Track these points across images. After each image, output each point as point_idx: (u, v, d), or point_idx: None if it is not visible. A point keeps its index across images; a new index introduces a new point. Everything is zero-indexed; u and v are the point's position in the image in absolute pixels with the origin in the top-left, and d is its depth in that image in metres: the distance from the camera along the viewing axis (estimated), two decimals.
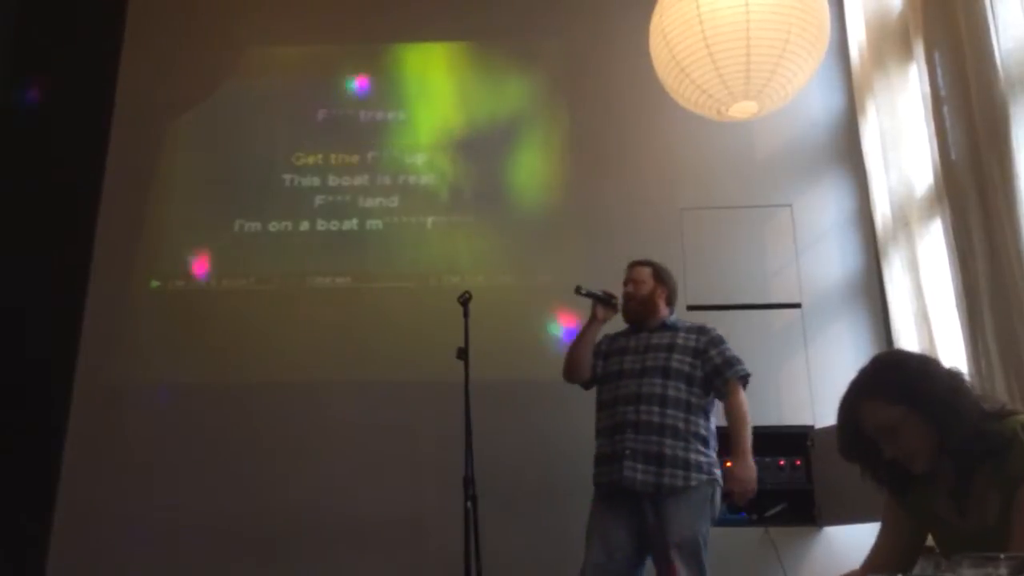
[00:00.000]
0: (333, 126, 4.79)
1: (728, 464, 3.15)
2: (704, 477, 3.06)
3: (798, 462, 3.86)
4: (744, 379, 3.17)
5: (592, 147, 4.63)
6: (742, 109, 3.93)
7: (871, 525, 2.03)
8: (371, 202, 4.63)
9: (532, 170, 4.65)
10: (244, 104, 4.83)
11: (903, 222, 3.77)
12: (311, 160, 4.72)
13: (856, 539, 3.14)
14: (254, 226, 4.60)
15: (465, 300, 3.41)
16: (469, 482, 3.14)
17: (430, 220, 4.59)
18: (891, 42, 3.88)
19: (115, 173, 4.66)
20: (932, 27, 3.36)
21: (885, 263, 4.03)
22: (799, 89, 3.94)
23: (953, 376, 1.77)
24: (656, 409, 3.10)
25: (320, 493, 4.03)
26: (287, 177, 4.69)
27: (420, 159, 4.71)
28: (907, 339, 3.73)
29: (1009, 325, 2.87)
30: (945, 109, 3.28)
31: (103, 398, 4.27)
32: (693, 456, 3.06)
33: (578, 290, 3.37)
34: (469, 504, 3.10)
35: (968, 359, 3.10)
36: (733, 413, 3.12)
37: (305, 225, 4.60)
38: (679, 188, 4.49)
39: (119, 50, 4.87)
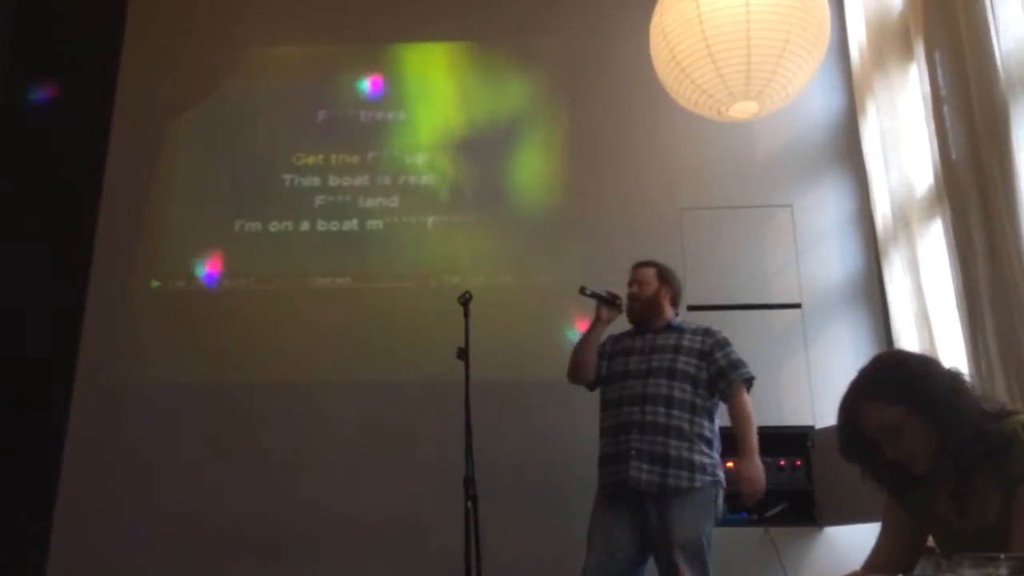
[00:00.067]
0: (333, 126, 4.79)
1: (729, 464, 3.16)
2: (708, 478, 3.06)
3: (798, 462, 3.87)
4: (748, 382, 3.18)
5: (592, 147, 4.63)
6: (742, 109, 3.93)
7: (871, 525, 2.03)
8: (371, 202, 4.63)
9: (532, 170, 4.65)
10: (244, 104, 4.83)
11: (903, 222, 3.77)
12: (311, 160, 4.72)
13: (856, 539, 3.15)
14: (254, 226, 4.60)
15: (465, 300, 3.41)
16: (469, 482, 3.14)
17: (430, 220, 4.59)
18: (891, 42, 3.87)
19: (115, 173, 4.66)
20: (932, 27, 3.36)
21: (885, 263, 4.03)
22: (799, 89, 3.93)
23: (953, 376, 1.77)
24: (662, 410, 3.10)
25: (320, 493, 4.03)
26: (287, 177, 4.69)
27: (420, 159, 4.71)
28: (907, 339, 3.73)
29: (1009, 325, 2.86)
30: (945, 109, 3.28)
31: (103, 398, 4.27)
32: (698, 457, 3.06)
33: (582, 291, 3.36)
34: (469, 504, 3.10)
35: (968, 359, 3.10)
36: (738, 414, 3.12)
37: (305, 225, 4.60)
38: (679, 188, 4.49)
39: (119, 50, 4.87)
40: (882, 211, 4.04)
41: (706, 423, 3.15)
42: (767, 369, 3.89)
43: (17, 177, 4.64)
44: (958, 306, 3.23)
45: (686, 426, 3.09)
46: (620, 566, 3.04)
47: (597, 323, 3.38)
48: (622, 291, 3.41)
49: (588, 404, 3.41)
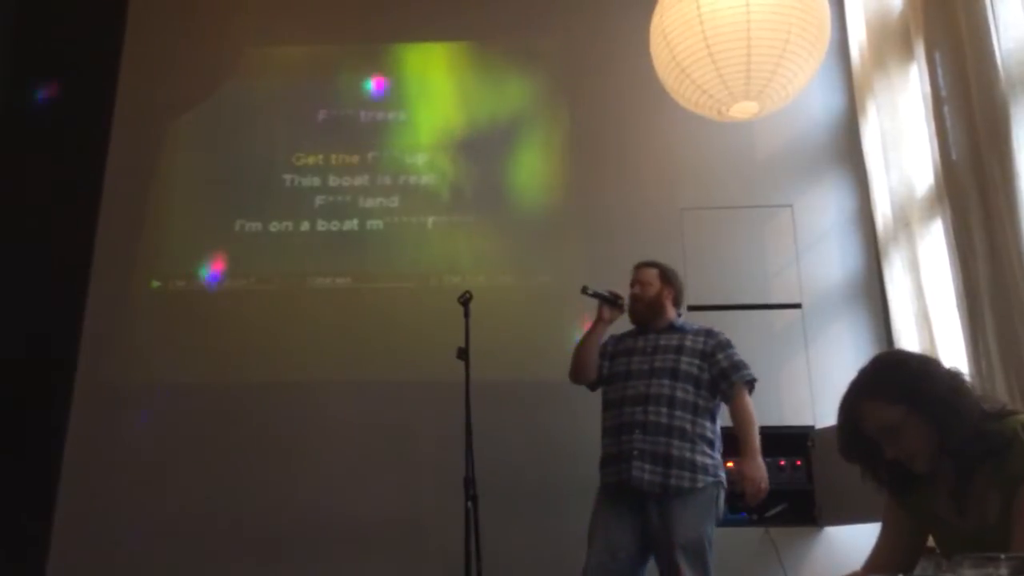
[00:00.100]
0: (333, 126, 4.79)
1: (729, 464, 3.16)
2: (710, 479, 3.06)
3: (799, 462, 3.87)
4: (750, 384, 3.18)
5: (593, 147, 4.63)
6: (743, 109, 3.93)
7: (872, 525, 2.03)
8: (371, 202, 4.63)
9: (533, 170, 4.65)
10: (244, 104, 4.83)
11: (904, 222, 3.77)
12: (311, 160, 4.72)
13: (857, 539, 3.15)
14: (254, 226, 4.60)
15: (466, 300, 3.41)
16: (469, 482, 3.14)
17: (431, 220, 4.59)
18: (892, 42, 3.87)
19: (115, 173, 4.66)
20: (933, 27, 3.36)
21: (886, 263, 4.02)
22: (800, 89, 3.93)
23: (953, 376, 1.77)
24: (664, 410, 3.10)
25: (320, 493, 4.03)
26: (287, 177, 4.69)
27: (421, 159, 4.71)
28: (908, 339, 3.73)
29: (1010, 325, 2.86)
30: (946, 109, 3.28)
31: (103, 398, 4.27)
32: (700, 458, 3.06)
33: (584, 290, 3.36)
34: (469, 504, 3.10)
35: (969, 359, 3.10)
36: (741, 415, 3.12)
37: (305, 225, 4.60)
38: (679, 188, 4.48)
39: (120, 50, 4.87)
40: (882, 211, 4.04)
41: (708, 424, 3.15)
42: (767, 369, 3.88)
43: (17, 177, 4.64)
44: (958, 306, 3.23)
45: (688, 427, 3.09)
46: (621, 566, 3.04)
47: (599, 323, 3.38)
48: (624, 291, 3.41)
49: (588, 404, 3.41)
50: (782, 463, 3.83)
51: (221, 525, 3.98)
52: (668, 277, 3.40)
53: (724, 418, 3.23)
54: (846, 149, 4.45)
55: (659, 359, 3.22)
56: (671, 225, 4.36)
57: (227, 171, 4.71)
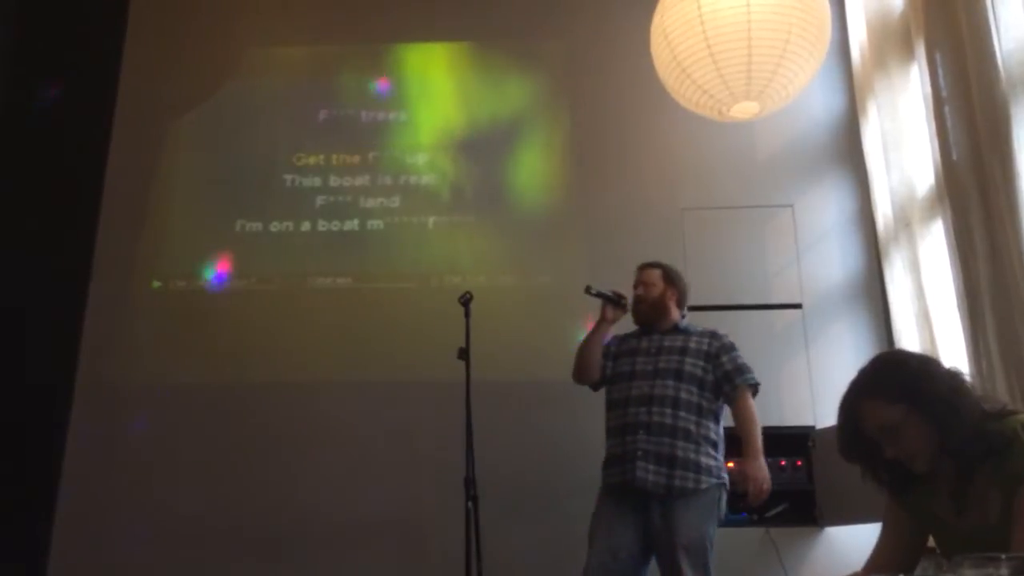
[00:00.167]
0: (334, 126, 4.79)
1: (730, 465, 3.16)
2: (714, 480, 3.06)
3: (799, 463, 3.87)
4: (754, 387, 3.18)
5: (593, 147, 4.63)
6: (743, 109, 3.93)
7: (872, 526, 2.03)
8: (372, 202, 4.63)
9: (533, 170, 4.65)
10: (245, 104, 4.84)
11: (904, 222, 3.77)
12: (312, 160, 4.73)
13: (857, 540, 3.15)
14: (255, 226, 4.60)
15: (466, 300, 3.41)
16: (470, 482, 3.14)
17: (431, 220, 4.59)
18: (892, 42, 3.87)
19: (116, 173, 4.66)
20: (933, 27, 3.36)
21: (886, 263, 4.02)
22: (800, 89, 3.93)
23: (953, 376, 1.77)
24: (668, 411, 3.10)
25: (321, 493, 4.03)
26: (288, 177, 4.70)
27: (421, 159, 4.71)
28: (908, 339, 3.73)
29: (1010, 325, 2.86)
30: (946, 109, 3.28)
31: (104, 398, 4.27)
32: (704, 459, 3.06)
33: (588, 290, 3.35)
34: (470, 504, 3.10)
35: (969, 359, 3.10)
36: (744, 416, 3.11)
37: (306, 225, 4.60)
38: (680, 188, 4.49)
39: (121, 50, 4.87)
40: (883, 211, 4.04)
41: (712, 425, 3.16)
42: (768, 369, 3.88)
43: (18, 177, 4.65)
44: (959, 306, 3.23)
45: (692, 428, 3.09)
46: (622, 566, 3.03)
47: (602, 323, 3.37)
48: (626, 291, 3.40)
49: (589, 404, 3.40)
50: (783, 463, 3.83)
51: (221, 525, 3.98)
52: (672, 278, 3.39)
53: (726, 419, 3.23)
54: (847, 149, 4.45)
55: (663, 360, 3.21)
56: (672, 225, 4.36)
57: (228, 171, 4.72)
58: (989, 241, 2.99)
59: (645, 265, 3.42)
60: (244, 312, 4.44)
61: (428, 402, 4.06)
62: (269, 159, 4.73)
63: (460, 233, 4.56)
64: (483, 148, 4.68)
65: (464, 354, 3.30)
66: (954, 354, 3.27)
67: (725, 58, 3.69)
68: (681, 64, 3.81)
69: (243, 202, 4.64)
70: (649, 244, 4.00)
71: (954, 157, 3.23)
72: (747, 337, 3.54)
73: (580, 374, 3.37)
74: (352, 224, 4.60)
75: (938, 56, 3.34)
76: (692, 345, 3.23)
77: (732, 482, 3.13)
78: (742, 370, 3.17)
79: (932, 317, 3.52)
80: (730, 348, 3.23)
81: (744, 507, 3.16)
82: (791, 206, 4.41)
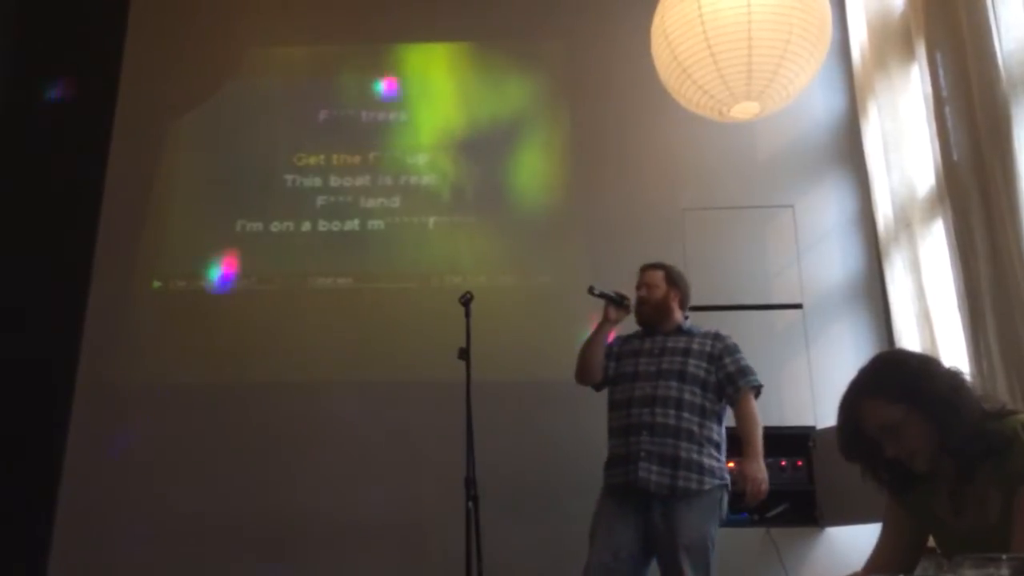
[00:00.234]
0: (335, 126, 4.80)
1: (730, 464, 3.16)
2: (717, 481, 3.06)
3: (800, 463, 3.86)
4: (757, 389, 3.18)
5: (594, 148, 4.63)
6: (744, 110, 3.93)
7: (873, 526, 2.03)
8: (373, 202, 4.64)
9: (534, 171, 4.65)
10: (246, 104, 4.84)
11: (905, 223, 3.77)
12: (313, 160, 4.73)
13: (858, 540, 3.15)
14: (256, 226, 4.60)
15: (467, 300, 3.40)
16: (470, 482, 3.13)
17: (432, 220, 4.59)
18: (893, 42, 3.87)
19: (117, 173, 4.66)
20: (934, 27, 3.36)
21: (887, 264, 4.02)
22: (801, 90, 3.93)
23: (954, 375, 1.77)
24: (672, 412, 3.10)
25: (321, 493, 4.03)
26: (289, 177, 4.70)
27: (422, 159, 4.71)
28: (909, 340, 3.72)
29: (1011, 326, 2.86)
30: (947, 109, 3.28)
31: (105, 398, 4.28)
32: (707, 460, 3.06)
33: (591, 290, 3.35)
34: (470, 504, 3.10)
35: (970, 360, 3.10)
36: (746, 417, 3.11)
37: (307, 225, 4.60)
38: (681, 189, 4.49)
39: (121, 50, 4.87)
40: (883, 211, 4.04)
41: (715, 426, 3.16)
42: (768, 369, 3.88)
43: (19, 177, 4.65)
44: (959, 307, 3.23)
45: (696, 429, 3.09)
46: (623, 566, 3.02)
47: (605, 323, 3.36)
48: (628, 291, 3.40)
49: (589, 404, 3.41)
50: (783, 463, 3.83)
51: (221, 525, 3.98)
52: (674, 279, 3.38)
53: (727, 419, 3.22)
54: (847, 149, 4.45)
55: (666, 361, 3.21)
56: (672, 225, 4.36)
57: (228, 171, 4.72)
58: (990, 241, 2.99)
59: (648, 266, 3.41)
60: (245, 312, 4.44)
61: (428, 402, 4.06)
62: (269, 159, 4.73)
63: (460, 233, 4.56)
64: (483, 148, 4.68)
65: (464, 354, 3.30)
66: (954, 354, 3.27)
67: (726, 58, 3.69)
68: (682, 64, 3.81)
69: (244, 202, 4.64)
70: (650, 244, 4.01)
71: (955, 157, 3.23)
72: (748, 337, 3.54)
73: (582, 375, 3.36)
74: (353, 224, 4.60)
75: (939, 56, 3.34)
76: (695, 346, 3.23)
77: (732, 482, 3.13)
78: (745, 372, 3.17)
79: (933, 317, 3.51)
80: (733, 350, 3.23)
81: (743, 507, 3.16)
82: (792, 206, 4.41)
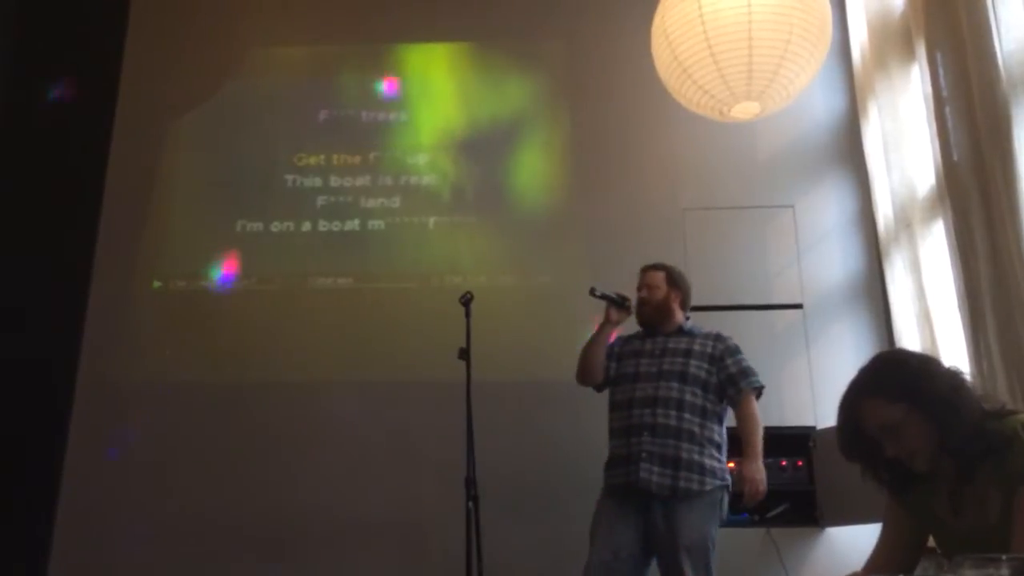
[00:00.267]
0: (335, 126, 4.79)
1: (730, 464, 3.16)
2: (718, 482, 3.07)
3: (800, 463, 3.86)
4: (758, 391, 3.18)
5: (594, 148, 4.63)
6: (744, 110, 3.93)
7: (873, 526, 2.03)
8: (373, 202, 4.63)
9: (534, 171, 4.65)
10: (246, 104, 4.84)
11: (905, 223, 3.77)
12: (313, 160, 4.73)
13: (858, 540, 3.15)
14: (256, 226, 4.60)
15: (467, 300, 3.40)
16: (470, 482, 3.13)
17: (432, 220, 4.59)
18: (893, 43, 3.87)
19: (117, 173, 4.66)
20: (934, 28, 3.36)
21: (887, 264, 4.02)
22: (801, 90, 3.93)
23: (954, 375, 1.77)
24: (673, 413, 3.10)
25: (321, 493, 4.03)
26: (289, 178, 4.70)
27: (422, 159, 4.71)
28: (909, 340, 3.72)
29: (1011, 326, 2.86)
30: (947, 110, 3.28)
31: (105, 398, 4.28)
32: (708, 461, 3.07)
33: (592, 292, 3.34)
34: (470, 504, 3.10)
35: (970, 360, 3.10)
36: (747, 420, 3.12)
37: (307, 225, 4.60)
38: (681, 188, 4.49)
39: (122, 50, 4.87)
40: (884, 212, 4.04)
41: (716, 427, 3.16)
42: (769, 370, 3.88)
43: (19, 177, 4.65)
44: (960, 307, 3.23)
45: (697, 429, 3.09)
46: (624, 565, 3.03)
47: (606, 324, 3.36)
48: (629, 292, 3.39)
49: (590, 404, 3.41)
50: (783, 464, 3.83)
51: (222, 524, 3.98)
52: (675, 280, 3.38)
53: (727, 419, 3.23)
54: (847, 149, 4.45)
55: (667, 362, 3.21)
56: (673, 225, 4.36)
57: (229, 171, 4.72)
58: (990, 241, 2.99)
59: (649, 267, 3.41)
60: (245, 312, 4.44)
61: (428, 402, 4.06)
62: (270, 159, 4.73)
63: (461, 233, 4.56)
64: (484, 148, 4.68)
65: (465, 354, 3.30)
66: (955, 354, 3.27)
67: (726, 58, 3.69)
68: (682, 64, 3.81)
69: (244, 202, 4.64)
70: (650, 244, 4.01)
71: (955, 157, 3.23)
72: (748, 337, 3.54)
73: (584, 375, 3.36)
74: (353, 224, 4.60)
75: (939, 56, 3.34)
76: (696, 347, 3.23)
77: (732, 482, 3.13)
78: (747, 373, 3.17)
79: (933, 317, 3.51)
80: (735, 351, 3.23)
81: (742, 507, 3.16)
82: (792, 206, 4.41)
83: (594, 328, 3.39)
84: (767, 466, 3.08)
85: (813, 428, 3.91)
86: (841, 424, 1.82)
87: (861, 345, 4.13)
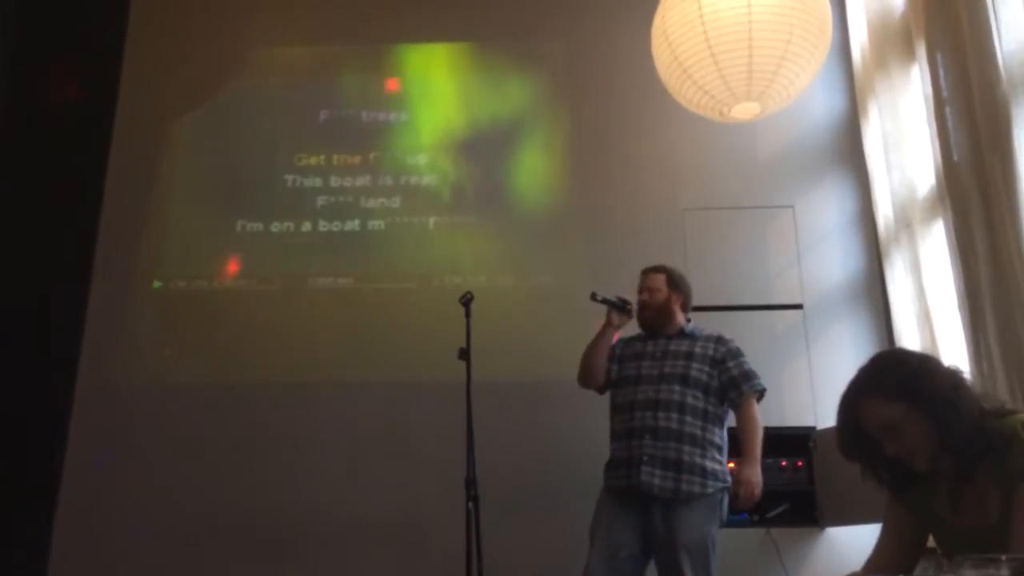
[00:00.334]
0: (335, 127, 4.79)
1: (731, 465, 3.16)
2: (720, 484, 3.07)
3: (800, 463, 3.86)
4: (760, 393, 3.18)
5: (594, 148, 4.63)
6: (744, 110, 3.92)
7: (873, 526, 2.03)
8: (373, 203, 4.64)
9: (534, 171, 4.65)
10: (246, 105, 4.84)
11: (905, 223, 3.77)
12: (313, 161, 4.73)
13: (858, 540, 3.15)
14: (256, 227, 4.60)
15: (467, 300, 3.40)
16: (471, 483, 3.13)
17: (432, 220, 4.59)
18: (893, 43, 3.87)
19: (118, 173, 4.66)
20: (934, 28, 3.36)
21: (887, 264, 4.02)
22: (801, 90, 3.93)
23: (953, 374, 1.77)
24: (675, 416, 3.10)
25: (321, 493, 4.03)
26: (289, 178, 4.70)
27: (422, 160, 4.71)
28: (909, 340, 3.72)
29: (1011, 326, 2.86)
30: (947, 110, 3.28)
31: (105, 398, 4.27)
32: (710, 464, 3.07)
33: (593, 296, 3.34)
34: (470, 504, 3.10)
35: (970, 360, 3.10)
36: (747, 423, 3.12)
37: (307, 226, 4.60)
38: (681, 189, 4.48)
39: (122, 50, 4.87)
40: (884, 212, 4.04)
41: (717, 430, 3.16)
42: (769, 370, 3.87)
43: (19, 177, 4.65)
44: (960, 307, 3.22)
45: (698, 432, 3.09)
46: (623, 565, 3.03)
47: (607, 328, 3.36)
48: (628, 293, 3.39)
49: (590, 405, 3.41)
50: (783, 464, 3.83)
51: (221, 525, 3.98)
52: (676, 282, 3.37)
53: (728, 419, 3.23)
54: (847, 150, 4.45)
55: (669, 365, 3.21)
56: (673, 226, 4.36)
57: (229, 171, 4.72)
58: (990, 242, 2.99)
59: (649, 269, 3.41)
60: (245, 312, 4.44)
61: (429, 402, 4.06)
62: (270, 159, 4.73)
63: (461, 233, 4.56)
64: (484, 148, 4.68)
65: (465, 354, 3.30)
66: (955, 355, 3.27)
67: (726, 59, 3.69)
68: (682, 65, 3.81)
69: (244, 202, 4.64)
70: (650, 245, 4.01)
71: (955, 158, 3.23)
72: (748, 338, 3.54)
73: (586, 378, 3.36)
74: (353, 224, 4.60)
75: (939, 57, 3.34)
76: (698, 350, 3.23)
77: (731, 482, 3.13)
78: (749, 376, 3.17)
79: (933, 318, 3.52)
80: (736, 353, 3.22)
81: (736, 508, 3.16)
82: (792, 207, 4.41)
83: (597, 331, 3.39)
84: (767, 466, 3.09)
85: (813, 428, 3.91)
86: (841, 423, 1.82)
87: (861, 345, 4.13)
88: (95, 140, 4.67)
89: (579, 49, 4.82)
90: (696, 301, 3.46)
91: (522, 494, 3.90)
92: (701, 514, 3.02)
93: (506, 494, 3.64)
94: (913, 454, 1.74)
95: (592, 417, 3.37)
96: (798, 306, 4.25)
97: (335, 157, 4.74)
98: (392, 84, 4.89)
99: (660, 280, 3.36)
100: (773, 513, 3.73)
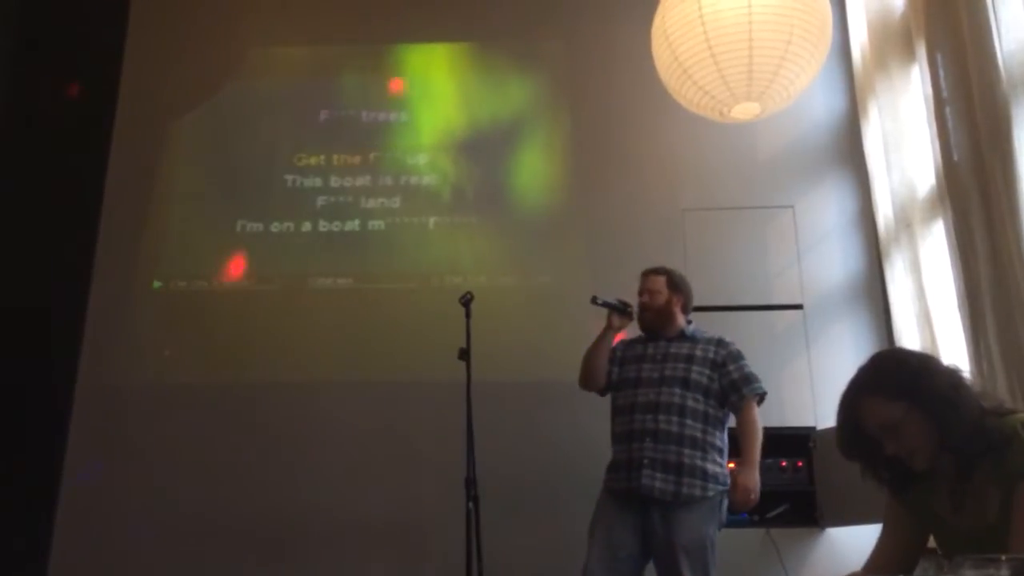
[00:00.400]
0: (335, 127, 4.80)
1: (731, 465, 3.16)
2: (720, 487, 3.07)
3: (800, 463, 3.86)
4: (760, 397, 3.17)
5: (594, 148, 4.63)
6: (744, 110, 3.92)
7: (873, 526, 2.03)
8: (373, 203, 4.64)
9: (534, 171, 4.65)
10: (246, 105, 4.84)
11: (905, 223, 3.77)
12: (313, 161, 4.73)
13: (858, 540, 3.15)
14: (256, 227, 4.60)
15: (467, 301, 3.40)
16: (471, 483, 3.14)
17: (432, 221, 4.59)
18: (893, 43, 3.87)
19: (118, 173, 4.66)
20: (934, 28, 3.36)
21: (887, 264, 4.02)
22: (802, 90, 3.93)
23: (953, 373, 1.77)
24: (675, 419, 3.09)
25: (321, 493, 4.03)
26: (289, 178, 4.70)
27: (422, 160, 4.71)
28: (909, 340, 3.72)
29: (1011, 326, 2.86)
30: (947, 110, 3.28)
31: (105, 398, 4.27)
32: (710, 467, 3.07)
33: (594, 300, 3.33)
34: (470, 505, 3.10)
35: (970, 360, 3.10)
36: (747, 426, 3.11)
37: (307, 226, 4.60)
38: (681, 189, 4.49)
39: (122, 50, 4.88)
40: (884, 212, 4.04)
41: (718, 432, 3.16)
42: (769, 370, 3.87)
43: (19, 177, 4.65)
44: (960, 307, 3.22)
45: (699, 435, 3.09)
46: (622, 565, 3.03)
47: (608, 330, 3.35)
48: (627, 293, 3.39)
49: (590, 405, 3.40)
50: (783, 464, 3.83)
51: (221, 525, 3.98)
52: (676, 284, 3.36)
53: (729, 420, 3.23)
54: (848, 150, 4.45)
55: (669, 367, 3.21)
56: (673, 226, 4.36)
57: (229, 171, 4.73)
58: (990, 242, 2.99)
59: (649, 271, 3.39)
60: (245, 312, 4.44)
61: (428, 402, 4.06)
62: (270, 159, 4.73)
63: (461, 233, 4.56)
64: (484, 148, 4.69)
65: (465, 354, 3.30)
66: (955, 355, 3.26)
67: (726, 59, 3.69)
68: (682, 65, 3.81)
69: (244, 202, 4.64)
70: (650, 245, 4.02)
71: (955, 158, 3.23)
72: (748, 338, 3.55)
73: (587, 381, 3.36)
74: (353, 224, 4.60)
75: (939, 57, 3.34)
76: (698, 353, 3.22)
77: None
78: (749, 379, 3.16)
79: (933, 318, 3.51)
80: (737, 356, 3.21)
81: (732, 509, 3.16)
82: (792, 207, 4.41)
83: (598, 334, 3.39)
84: (767, 467, 3.09)
85: (813, 428, 3.91)
86: (841, 423, 1.82)
87: (861, 345, 4.13)
88: (95, 140, 4.67)
89: (579, 49, 4.83)
90: (696, 301, 3.46)
91: (522, 494, 3.90)
92: (700, 516, 3.01)
93: (506, 494, 3.64)
94: (913, 454, 1.74)
95: (592, 418, 3.37)
96: (798, 306, 4.25)
97: (335, 157, 4.74)
98: (392, 84, 4.89)
99: (660, 282, 3.35)
100: (773, 513, 3.72)
